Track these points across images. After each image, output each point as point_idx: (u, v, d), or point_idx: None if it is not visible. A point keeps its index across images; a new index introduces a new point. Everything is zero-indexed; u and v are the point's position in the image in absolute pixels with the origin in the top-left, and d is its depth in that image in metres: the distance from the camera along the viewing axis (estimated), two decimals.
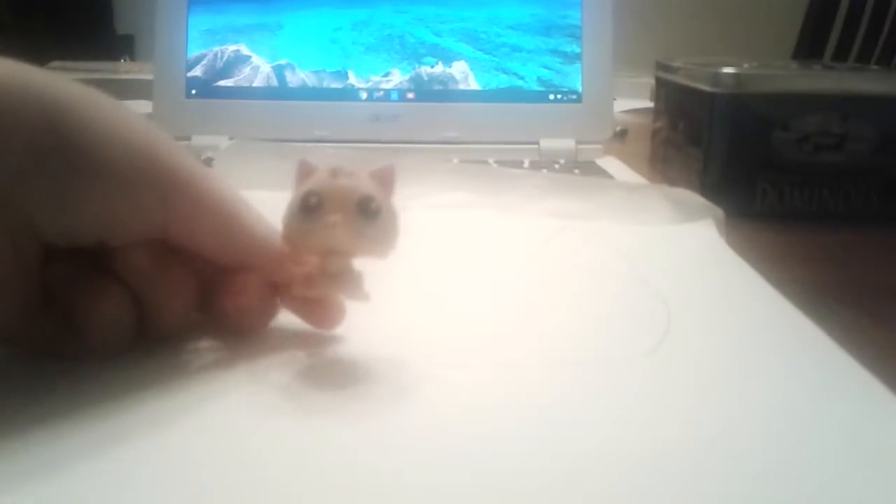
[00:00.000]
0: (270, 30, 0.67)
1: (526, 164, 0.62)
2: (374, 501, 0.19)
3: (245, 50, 0.66)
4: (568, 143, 0.65)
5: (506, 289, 0.34)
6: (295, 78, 0.66)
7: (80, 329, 0.24)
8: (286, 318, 0.28)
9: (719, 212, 0.44)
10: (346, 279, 0.25)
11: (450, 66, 0.67)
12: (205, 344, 0.27)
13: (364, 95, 0.67)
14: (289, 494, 0.19)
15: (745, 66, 0.54)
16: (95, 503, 0.19)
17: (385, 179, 0.25)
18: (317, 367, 0.26)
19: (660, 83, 0.68)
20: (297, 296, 0.26)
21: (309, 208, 0.24)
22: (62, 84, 0.23)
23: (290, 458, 0.21)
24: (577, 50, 0.67)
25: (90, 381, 0.24)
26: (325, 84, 0.67)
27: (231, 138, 0.59)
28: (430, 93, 0.67)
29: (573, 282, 0.35)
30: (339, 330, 0.28)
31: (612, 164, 0.63)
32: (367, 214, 0.24)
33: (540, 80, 0.67)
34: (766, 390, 0.25)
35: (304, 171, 0.25)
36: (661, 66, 0.68)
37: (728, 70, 0.52)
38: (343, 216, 0.24)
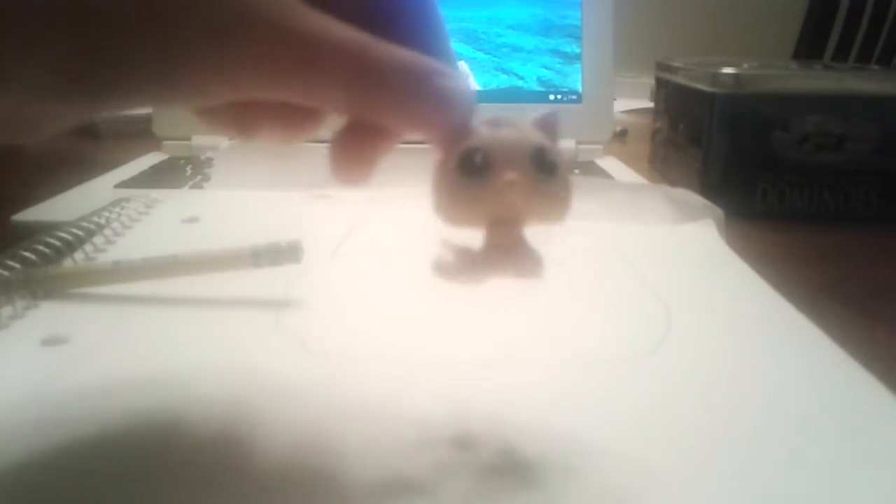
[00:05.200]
0: None
1: None
2: (374, 500, 0.19)
3: None
4: (568, 144, 0.65)
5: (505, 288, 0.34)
6: None
7: None
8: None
9: (719, 212, 0.44)
10: (521, 252, 0.21)
11: None
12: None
13: None
14: (285, 492, 0.19)
15: (745, 66, 0.54)
16: None
17: (550, 129, 0.21)
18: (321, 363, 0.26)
19: (660, 83, 0.69)
20: (462, 282, 0.22)
21: (473, 169, 0.20)
22: None
23: (287, 455, 0.21)
24: (577, 50, 0.67)
25: None
26: None
27: (231, 139, 0.59)
28: None
29: (573, 282, 0.35)
30: (339, 330, 0.28)
31: (612, 165, 0.63)
32: (544, 169, 0.20)
33: (540, 81, 0.67)
34: (766, 390, 0.25)
35: (460, 134, 0.20)
36: (661, 66, 0.68)
37: (728, 70, 0.52)
38: (518, 174, 0.19)
